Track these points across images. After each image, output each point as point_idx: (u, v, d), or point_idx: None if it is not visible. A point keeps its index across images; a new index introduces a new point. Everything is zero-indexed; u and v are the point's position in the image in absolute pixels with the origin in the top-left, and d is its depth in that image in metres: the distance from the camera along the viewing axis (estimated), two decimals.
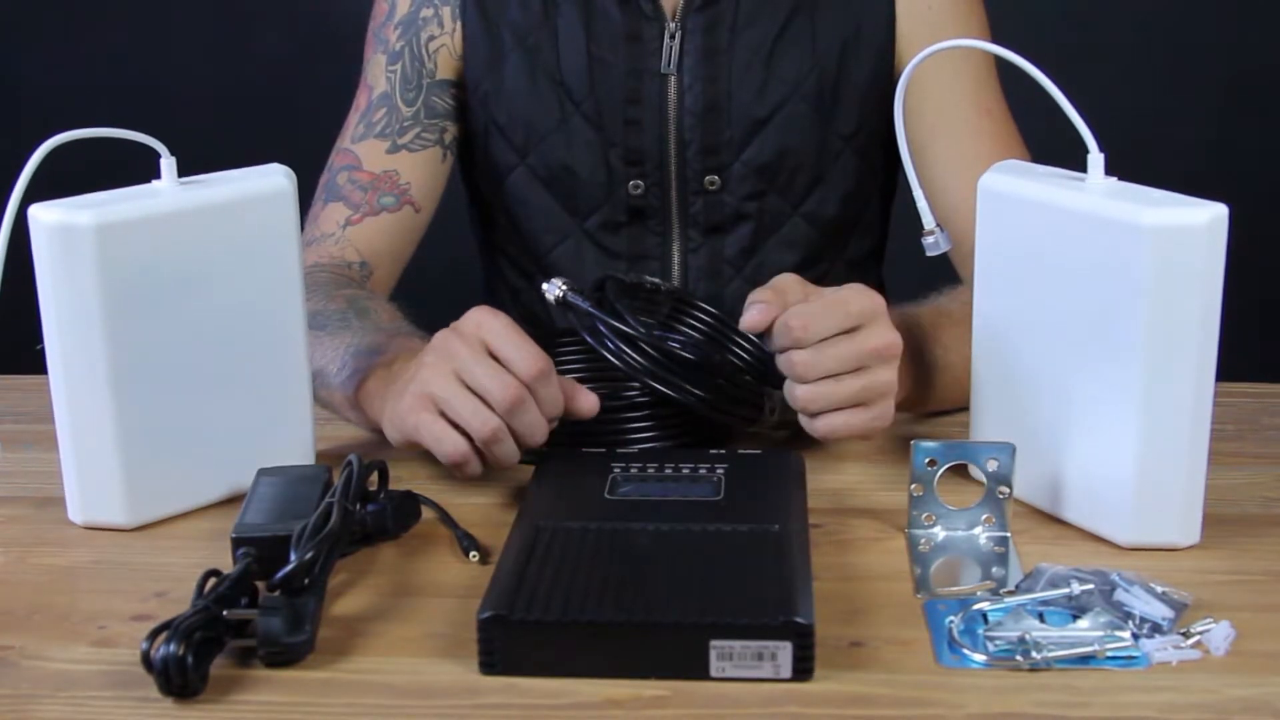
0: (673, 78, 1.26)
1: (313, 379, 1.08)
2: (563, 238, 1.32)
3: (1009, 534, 0.91)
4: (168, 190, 0.93)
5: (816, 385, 0.95)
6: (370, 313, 1.14)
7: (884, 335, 0.96)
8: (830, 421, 0.96)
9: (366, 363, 1.06)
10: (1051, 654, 0.76)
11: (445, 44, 1.29)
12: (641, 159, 1.28)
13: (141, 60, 2.52)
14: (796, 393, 0.96)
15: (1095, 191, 0.89)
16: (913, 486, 0.92)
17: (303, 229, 1.07)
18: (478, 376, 0.93)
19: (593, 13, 1.27)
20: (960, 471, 0.96)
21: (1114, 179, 0.90)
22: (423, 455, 0.97)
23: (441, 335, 0.96)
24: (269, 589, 0.79)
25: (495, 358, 0.93)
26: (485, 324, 0.94)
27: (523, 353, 0.93)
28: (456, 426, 0.93)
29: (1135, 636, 0.78)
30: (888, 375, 0.96)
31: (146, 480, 0.94)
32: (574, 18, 1.27)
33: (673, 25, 1.26)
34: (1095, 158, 0.89)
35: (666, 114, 1.27)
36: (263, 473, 0.94)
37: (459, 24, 1.29)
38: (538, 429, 0.94)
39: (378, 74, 1.30)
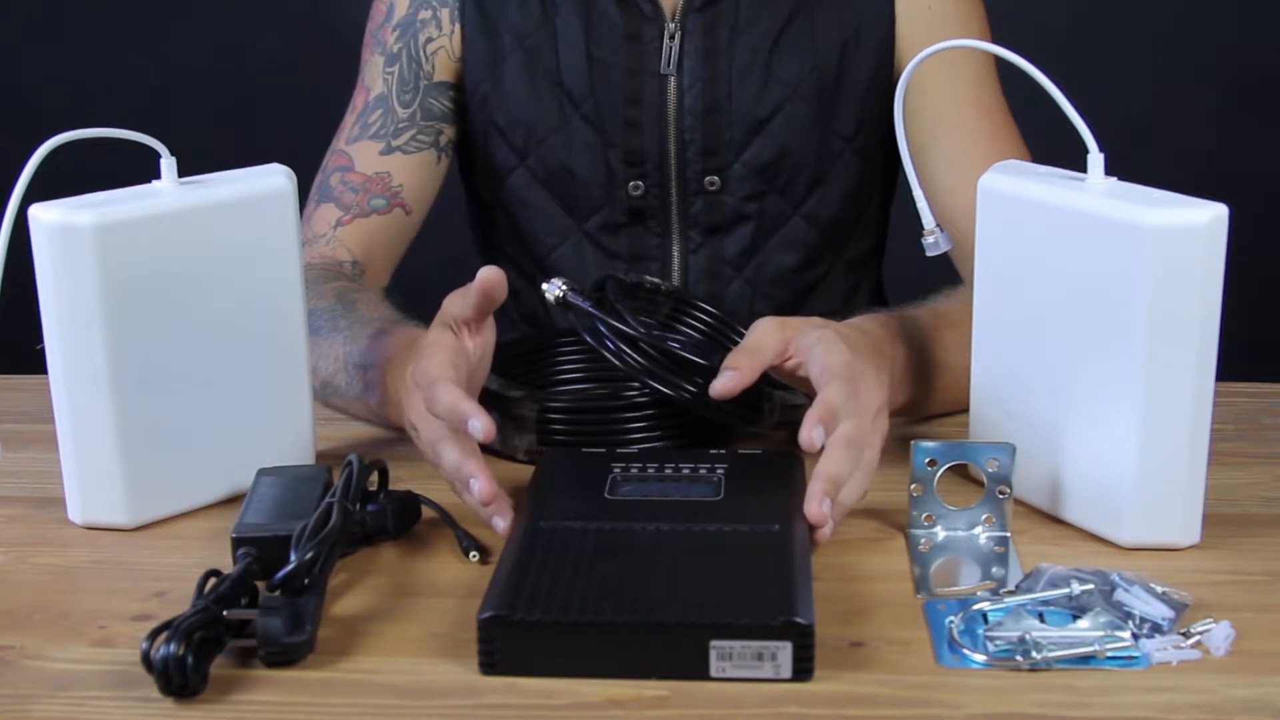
0: (672, 78, 1.26)
1: (322, 387, 1.09)
2: (563, 239, 1.32)
3: (1009, 534, 0.91)
4: (168, 190, 0.93)
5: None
6: (356, 304, 1.14)
7: (876, 389, 0.94)
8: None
9: (371, 377, 1.06)
10: (1051, 654, 0.76)
11: (443, 46, 1.29)
12: (641, 160, 1.28)
13: (141, 60, 2.52)
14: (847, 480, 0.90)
15: (1095, 191, 0.89)
16: (913, 486, 0.92)
17: None
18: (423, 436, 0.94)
19: (592, 14, 1.27)
20: (960, 471, 0.96)
21: (1114, 179, 0.90)
22: (422, 455, 0.97)
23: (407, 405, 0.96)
24: (269, 589, 0.79)
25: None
26: (418, 382, 0.93)
27: (436, 401, 0.91)
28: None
29: (1135, 636, 0.78)
30: (880, 431, 0.93)
31: (146, 480, 0.94)
32: (573, 19, 1.27)
33: (672, 26, 1.26)
34: (1095, 158, 0.89)
35: (666, 115, 1.27)
36: (263, 473, 0.94)
37: (458, 26, 1.29)
38: (442, 453, 0.91)
39: (375, 76, 1.30)
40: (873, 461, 0.91)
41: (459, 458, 0.89)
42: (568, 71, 1.27)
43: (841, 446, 0.89)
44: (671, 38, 1.26)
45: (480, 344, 0.95)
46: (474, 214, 1.41)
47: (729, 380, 0.94)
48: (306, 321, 1.01)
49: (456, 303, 0.94)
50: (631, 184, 1.29)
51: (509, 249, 1.36)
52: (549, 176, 1.30)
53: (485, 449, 0.94)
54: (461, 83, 1.30)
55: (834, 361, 0.93)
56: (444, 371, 0.91)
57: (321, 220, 1.27)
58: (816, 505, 0.87)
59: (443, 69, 1.30)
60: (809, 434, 0.89)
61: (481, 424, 0.87)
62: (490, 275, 0.93)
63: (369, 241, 1.26)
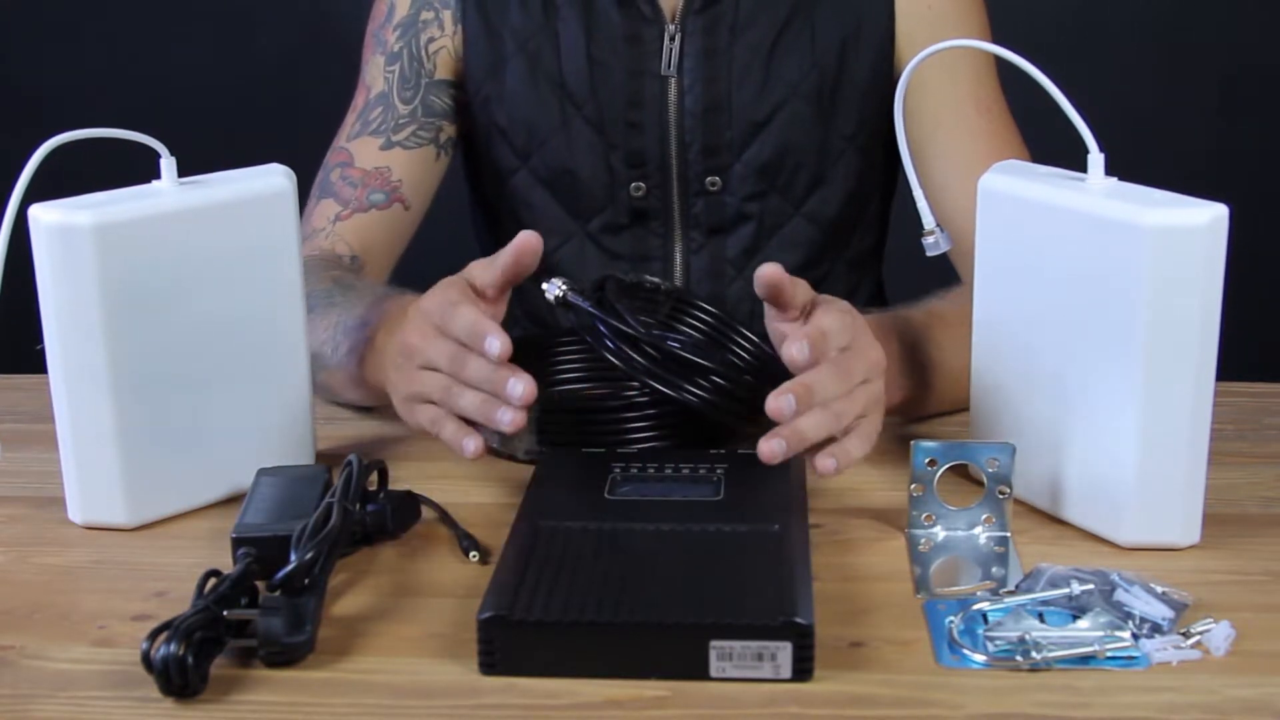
0: (673, 79, 1.27)
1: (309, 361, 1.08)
2: (565, 239, 1.32)
3: (1009, 534, 0.91)
4: (168, 190, 0.93)
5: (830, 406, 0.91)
6: (354, 288, 1.15)
7: (876, 348, 0.95)
8: (847, 447, 0.91)
9: (359, 337, 1.07)
10: (1051, 654, 0.76)
11: (445, 46, 1.30)
12: (643, 161, 1.28)
13: (141, 60, 2.52)
14: (813, 419, 0.90)
15: (1095, 192, 0.89)
16: (913, 486, 0.92)
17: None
18: (430, 358, 0.94)
19: (593, 16, 1.27)
20: (960, 471, 0.96)
21: (1114, 179, 0.90)
22: (422, 455, 0.97)
23: (402, 333, 0.97)
24: (269, 589, 0.79)
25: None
26: (428, 309, 0.95)
27: (454, 318, 0.93)
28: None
29: (1135, 636, 0.78)
30: (880, 387, 0.95)
31: (146, 480, 0.94)
32: (574, 21, 1.27)
33: (672, 27, 1.26)
34: (1095, 158, 0.89)
35: (667, 116, 1.27)
36: (263, 473, 0.94)
37: (459, 27, 1.29)
38: (484, 374, 0.92)
39: (375, 75, 1.30)
40: (874, 425, 0.92)
41: (473, 319, 0.90)
42: (569, 74, 1.27)
43: (838, 364, 0.90)
44: (671, 39, 1.26)
45: (493, 316, 0.95)
46: (477, 214, 1.41)
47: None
48: (306, 317, 1.00)
49: (481, 269, 0.95)
50: (633, 185, 1.29)
51: None
52: (551, 178, 1.30)
53: (486, 448, 0.95)
54: (463, 82, 1.31)
55: (841, 304, 0.94)
56: (466, 295, 0.93)
57: (320, 215, 1.27)
58: (775, 398, 0.87)
59: (444, 68, 1.30)
60: (776, 402, 0.87)
61: (500, 343, 0.87)
62: (528, 240, 0.93)
63: (367, 236, 1.27)
